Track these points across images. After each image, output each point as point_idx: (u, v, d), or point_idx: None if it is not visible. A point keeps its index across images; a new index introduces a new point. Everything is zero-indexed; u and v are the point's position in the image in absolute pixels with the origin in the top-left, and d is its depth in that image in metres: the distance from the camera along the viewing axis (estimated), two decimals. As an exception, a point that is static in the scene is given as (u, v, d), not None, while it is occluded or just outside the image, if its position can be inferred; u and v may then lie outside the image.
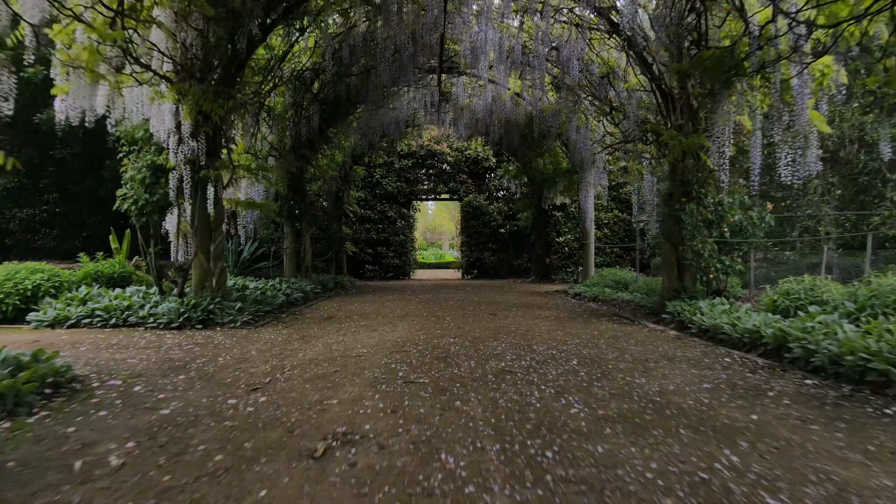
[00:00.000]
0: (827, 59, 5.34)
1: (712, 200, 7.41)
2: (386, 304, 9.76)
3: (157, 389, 3.73)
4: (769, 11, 5.29)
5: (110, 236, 9.43)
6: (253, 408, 3.28)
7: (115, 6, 4.84)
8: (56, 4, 4.43)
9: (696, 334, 6.09)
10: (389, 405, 3.31)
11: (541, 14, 8.60)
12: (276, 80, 8.85)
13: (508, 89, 12.54)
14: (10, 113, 4.64)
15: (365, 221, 19.07)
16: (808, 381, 3.94)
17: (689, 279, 7.59)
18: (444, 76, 12.48)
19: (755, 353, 5.01)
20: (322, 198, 15.42)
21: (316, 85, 10.21)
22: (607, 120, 10.02)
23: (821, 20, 4.94)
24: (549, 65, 10.19)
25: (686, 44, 6.72)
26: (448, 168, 19.65)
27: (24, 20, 4.33)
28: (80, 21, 4.67)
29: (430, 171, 19.79)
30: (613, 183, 15.68)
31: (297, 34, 8.36)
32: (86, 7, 4.69)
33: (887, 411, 3.19)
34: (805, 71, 5.29)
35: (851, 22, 4.51)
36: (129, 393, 3.65)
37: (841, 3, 4.67)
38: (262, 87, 8.43)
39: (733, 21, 5.89)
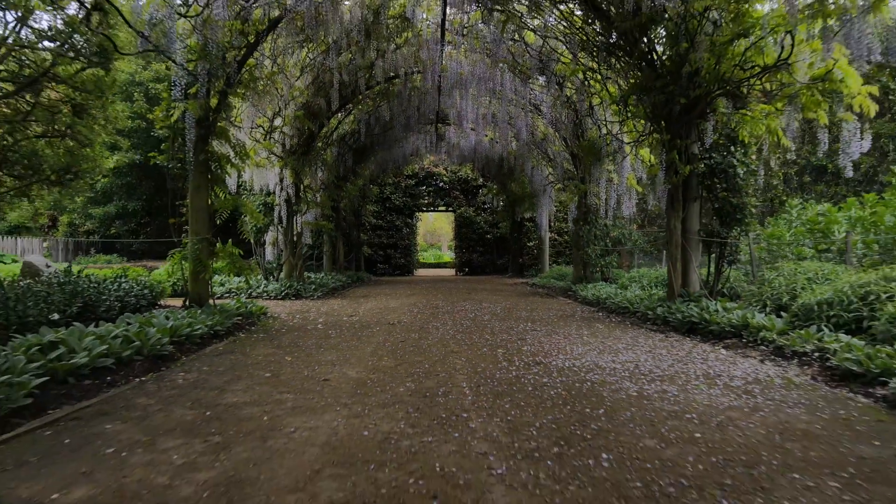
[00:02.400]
0: (641, 151, 10.07)
1: (602, 223, 12.18)
2: (399, 290, 14.50)
3: (306, 317, 8.47)
4: (608, 127, 10.05)
5: (217, 244, 14.13)
6: (356, 319, 8.03)
7: (267, 129, 9.58)
8: (251, 139, 9.19)
9: (579, 301, 10.83)
10: (411, 316, 8.07)
11: (500, 100, 13.36)
12: (329, 142, 13.59)
13: (486, 136, 17.25)
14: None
15: (377, 229, 23.79)
16: (599, 313, 8.70)
17: (588, 271, 12.35)
18: (439, 125, 17.22)
19: (595, 307, 9.75)
20: (346, 212, 20.13)
21: (351, 140, 14.95)
22: (549, 166, 14.76)
23: (630, 137, 9.69)
24: (510, 126, 14.90)
25: (579, 133, 11.47)
26: (444, 186, 24.39)
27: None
28: (258, 142, 9.40)
29: (430, 188, 24.53)
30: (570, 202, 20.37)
31: (344, 115, 13.09)
32: (257, 134, 9.44)
33: (614, 319, 7.94)
34: (626, 159, 10.03)
35: (635, 142, 9.23)
36: (296, 317, 8.39)
37: (633, 133, 9.42)
38: (322, 148, 13.17)
39: (595, 128, 10.63)
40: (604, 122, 10.11)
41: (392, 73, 12.43)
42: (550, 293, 13.04)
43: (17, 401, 3.27)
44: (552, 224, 19.94)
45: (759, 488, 2.27)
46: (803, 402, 3.54)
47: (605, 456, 2.61)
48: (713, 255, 7.73)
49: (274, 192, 11.62)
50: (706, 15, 5.90)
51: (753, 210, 7.47)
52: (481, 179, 23.88)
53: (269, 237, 12.41)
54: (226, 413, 3.33)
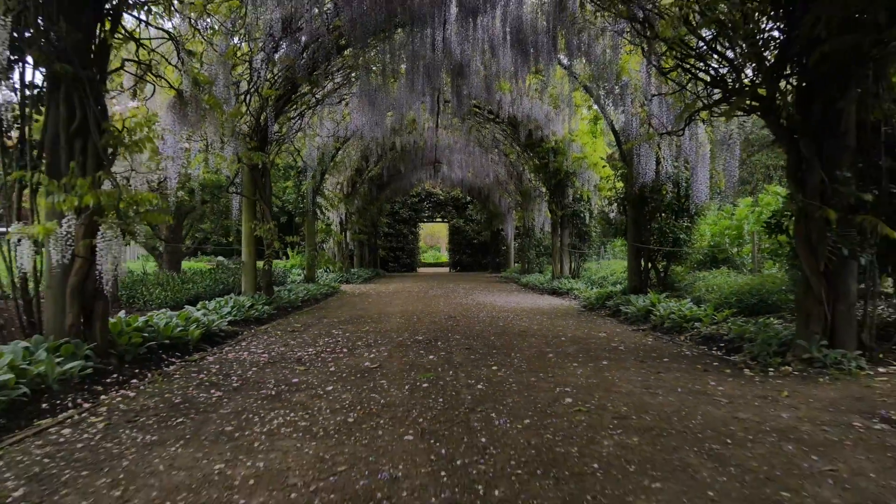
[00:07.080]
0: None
1: (537, 236, 19.29)
2: (408, 280, 21.59)
3: (362, 291, 15.56)
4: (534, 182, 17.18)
5: (287, 248, 21.21)
6: (389, 291, 15.12)
7: (336, 184, 16.67)
8: (333, 193, 16.23)
9: (517, 284, 17.89)
10: (419, 289, 15.18)
11: (475, 156, 20.47)
12: (363, 182, 20.69)
13: (469, 171, 24.34)
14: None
15: (389, 236, 30.84)
16: (522, 288, 15.80)
17: (529, 267, 19.43)
18: (436, 164, 24.32)
19: (524, 286, 16.80)
20: (367, 224, 27.17)
21: (376, 179, 22.05)
22: (509, 196, 21.89)
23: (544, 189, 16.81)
24: (484, 169, 21.96)
25: (521, 180, 18.56)
26: (440, 202, 31.48)
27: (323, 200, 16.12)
28: (332, 191, 16.43)
29: (429, 204, 31.61)
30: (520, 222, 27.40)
31: (373, 166, 20.21)
32: (331, 186, 16.51)
33: (526, 291, 15.03)
34: (544, 200, 17.08)
35: (544, 192, 16.29)
36: (356, 291, 15.47)
37: (544, 187, 16.53)
38: (359, 187, 20.26)
39: (527, 181, 17.70)
40: (531, 179, 17.22)
41: (405, 144, 19.57)
42: (507, 281, 20.14)
43: (297, 303, 10.37)
44: (518, 233, 27.05)
45: (513, 317, 9.35)
46: (555, 306, 10.63)
47: (474, 310, 9.70)
48: (577, 257, 14.81)
49: (332, 219, 18.70)
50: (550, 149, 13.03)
51: (594, 234, 14.57)
52: (469, 198, 31.00)
53: (326, 245, 19.50)
54: (365, 308, 10.42)
